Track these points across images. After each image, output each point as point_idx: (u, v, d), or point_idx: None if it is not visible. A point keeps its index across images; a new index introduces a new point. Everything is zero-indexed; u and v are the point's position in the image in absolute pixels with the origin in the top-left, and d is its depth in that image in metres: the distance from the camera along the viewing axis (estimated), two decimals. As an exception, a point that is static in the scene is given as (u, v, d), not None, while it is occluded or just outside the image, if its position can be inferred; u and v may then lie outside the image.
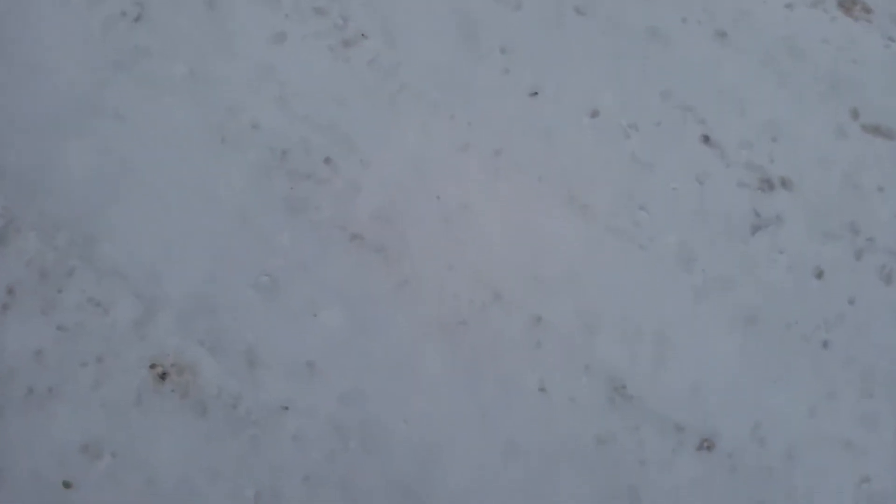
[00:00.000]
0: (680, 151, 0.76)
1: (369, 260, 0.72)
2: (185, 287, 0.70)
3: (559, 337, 0.72)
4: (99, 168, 0.71)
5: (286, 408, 0.69)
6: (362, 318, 0.71)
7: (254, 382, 0.69)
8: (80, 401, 0.67)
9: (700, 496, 0.70)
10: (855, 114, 0.78)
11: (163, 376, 0.68)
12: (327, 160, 0.73)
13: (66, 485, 0.66)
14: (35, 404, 0.67)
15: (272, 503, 0.67)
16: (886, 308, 0.75)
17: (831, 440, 0.72)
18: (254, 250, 0.71)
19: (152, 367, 0.68)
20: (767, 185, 0.76)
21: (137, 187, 0.71)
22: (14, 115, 0.72)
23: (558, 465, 0.70)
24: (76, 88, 0.73)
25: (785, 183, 0.76)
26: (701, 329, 0.73)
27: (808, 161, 0.77)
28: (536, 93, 0.76)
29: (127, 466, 0.66)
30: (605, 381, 0.71)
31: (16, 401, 0.67)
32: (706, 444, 0.71)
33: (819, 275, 0.75)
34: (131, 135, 0.72)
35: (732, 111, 0.77)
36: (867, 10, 0.81)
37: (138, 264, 0.70)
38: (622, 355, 0.72)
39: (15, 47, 0.73)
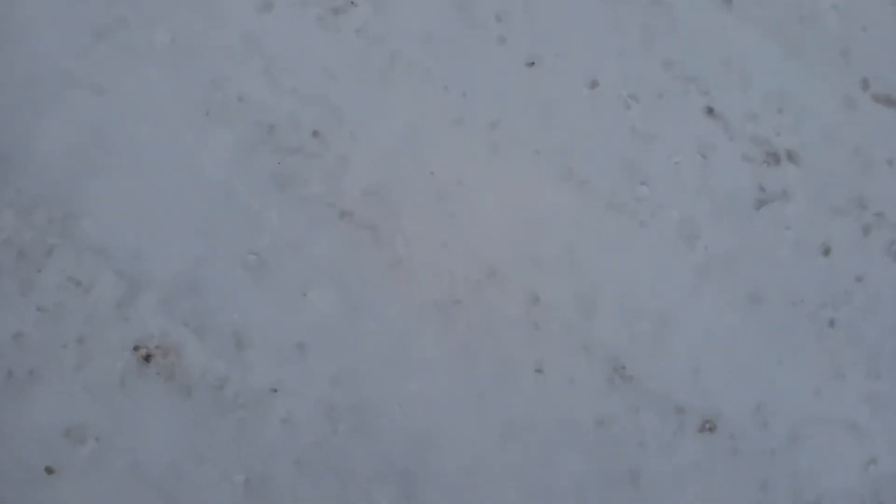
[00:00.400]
0: (682, 124, 0.74)
1: (360, 237, 0.70)
2: (169, 266, 0.68)
3: (557, 316, 0.70)
4: (78, 142, 0.69)
5: (275, 390, 0.67)
6: (353, 297, 0.69)
7: (241, 364, 0.67)
8: (62, 384, 0.66)
9: (701, 478, 0.69)
10: (865, 84, 0.75)
11: (147, 358, 0.67)
12: (316, 134, 0.71)
13: (49, 470, 0.65)
14: (15, 388, 0.66)
15: (262, 488, 0.66)
16: (895, 286, 0.73)
17: (837, 421, 0.71)
18: (240, 228, 0.69)
19: (136, 348, 0.67)
20: (773, 158, 0.74)
21: (118, 162, 0.69)
22: (-12, 88, 0.69)
23: (556, 447, 0.69)
24: (53, 60, 0.70)
25: (791, 156, 0.74)
26: (703, 308, 0.71)
27: (816, 133, 0.74)
28: (533, 63, 0.73)
29: (111, 451, 0.65)
30: (604, 361, 0.70)
31: (-5, 384, 0.65)
32: (708, 426, 0.70)
33: (826, 251, 0.73)
34: (111, 108, 0.70)
35: (737, 82, 0.75)
36: (878, -24, 0.79)
37: (120, 242, 0.68)
38: (622, 335, 0.70)
39: (-13, 16, 0.70)
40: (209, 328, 0.68)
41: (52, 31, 0.70)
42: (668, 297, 0.71)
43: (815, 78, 0.76)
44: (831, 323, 0.72)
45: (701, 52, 0.75)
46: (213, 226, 0.69)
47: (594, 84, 0.73)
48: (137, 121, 0.70)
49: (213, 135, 0.70)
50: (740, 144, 0.74)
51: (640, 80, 0.74)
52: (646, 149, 0.73)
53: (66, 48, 0.70)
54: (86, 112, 0.70)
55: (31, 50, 0.70)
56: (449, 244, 0.70)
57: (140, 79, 0.71)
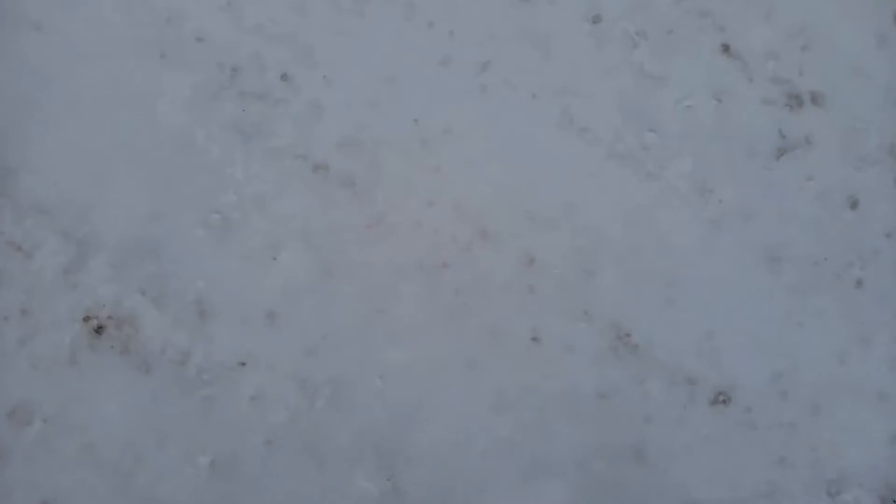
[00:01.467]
0: (696, 63, 0.71)
1: (336, 194, 0.67)
2: (121, 227, 0.65)
3: (554, 279, 0.68)
4: (17, 89, 0.66)
5: (243, 364, 0.65)
6: (329, 260, 0.67)
7: (205, 336, 0.65)
8: (5, 360, 0.63)
9: (714, 455, 0.67)
10: (899, 17, 0.73)
11: (99, 330, 0.64)
12: (285, 77, 0.68)
13: (-8, 455, 0.63)
14: (-47, 364, 0.64)
15: (229, 470, 0.64)
16: (930, 242, 0.71)
17: (862, 391, 0.68)
18: (201, 183, 0.66)
19: (86, 319, 0.64)
20: (796, 101, 0.70)
21: (63, 111, 0.66)
22: (-89, 28, 0.66)
23: (554, 423, 0.66)
24: (-15, -6, 0.67)
25: (816, 99, 0.70)
26: (717, 268, 0.69)
27: (843, 73, 0.71)
28: (529, -6, 0.71)
29: (61, 432, 0.63)
30: (606, 328, 0.68)
31: (-69, 361, 0.63)
32: (721, 398, 0.67)
33: (853, 205, 0.70)
34: (55, 50, 0.67)
35: (757, 16, 0.71)
36: None
37: (66, 200, 0.65)
38: (626, 299, 0.68)
39: None
40: (168, 296, 0.65)
41: (-16, -38, 0.67)
42: (677, 256, 0.69)
43: (843, 11, 0.73)
44: (858, 283, 0.69)
45: (716, -17, 0.73)
46: (171, 181, 0.66)
47: (597, 19, 0.70)
48: (84, 64, 0.67)
49: (169, 79, 0.67)
50: (759, 86, 0.71)
51: (649, 13, 0.71)
52: (654, 91, 0.70)
53: (1, -19, 0.67)
54: (25, 55, 0.66)
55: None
56: (435, 200, 0.68)
57: (86, 16, 0.67)
